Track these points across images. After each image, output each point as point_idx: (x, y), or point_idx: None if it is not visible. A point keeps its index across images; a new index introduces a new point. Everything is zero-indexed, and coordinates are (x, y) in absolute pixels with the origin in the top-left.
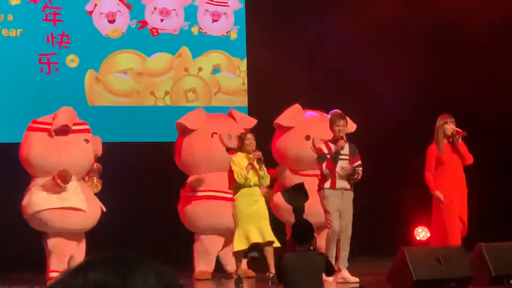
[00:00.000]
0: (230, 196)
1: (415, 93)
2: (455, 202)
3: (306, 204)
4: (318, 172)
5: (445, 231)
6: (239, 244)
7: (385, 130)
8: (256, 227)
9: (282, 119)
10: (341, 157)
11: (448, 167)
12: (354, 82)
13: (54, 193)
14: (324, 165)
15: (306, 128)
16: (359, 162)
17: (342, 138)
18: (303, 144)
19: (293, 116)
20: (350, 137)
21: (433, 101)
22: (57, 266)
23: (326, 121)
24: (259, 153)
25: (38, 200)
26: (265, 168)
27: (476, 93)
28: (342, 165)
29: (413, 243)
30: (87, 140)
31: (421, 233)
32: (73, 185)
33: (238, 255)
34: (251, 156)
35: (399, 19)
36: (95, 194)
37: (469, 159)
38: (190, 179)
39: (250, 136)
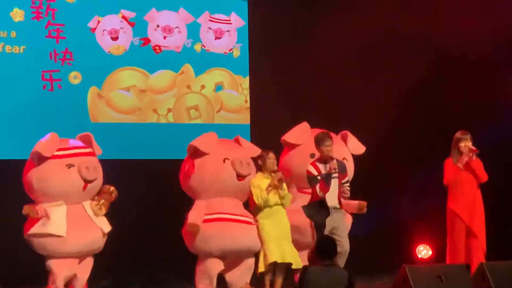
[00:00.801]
0: (242, 218)
1: (416, 108)
2: (467, 220)
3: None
4: None
5: (452, 248)
6: (262, 265)
7: (386, 147)
8: (277, 246)
9: (289, 136)
10: (333, 176)
11: (462, 184)
12: (360, 100)
13: (40, 219)
14: (317, 187)
15: (312, 146)
16: (347, 178)
17: (331, 158)
18: (307, 162)
19: (300, 134)
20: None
21: (435, 117)
22: (54, 285)
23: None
24: (280, 173)
25: (27, 224)
26: (286, 188)
27: (470, 111)
28: (334, 184)
29: (414, 261)
30: (69, 165)
31: (423, 251)
32: (58, 210)
33: (264, 277)
34: (270, 176)
35: (401, 30)
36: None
37: (483, 177)
38: (189, 221)
39: (272, 155)
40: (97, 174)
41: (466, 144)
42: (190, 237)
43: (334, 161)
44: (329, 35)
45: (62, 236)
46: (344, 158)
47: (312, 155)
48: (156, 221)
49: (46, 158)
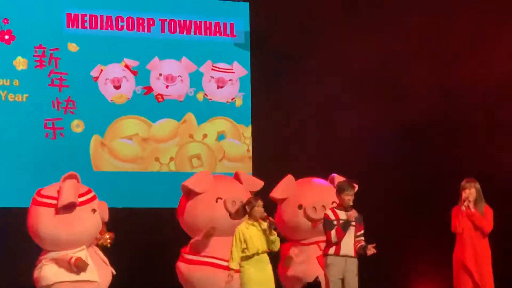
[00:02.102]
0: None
1: (419, 148)
2: (473, 269)
3: (310, 272)
4: (315, 240)
5: None
6: None
7: (396, 193)
8: None
9: (275, 192)
10: (350, 224)
11: (469, 232)
12: (361, 149)
13: (62, 265)
14: (333, 232)
15: (298, 198)
16: (363, 231)
17: (351, 207)
18: (296, 214)
19: (285, 188)
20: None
21: (441, 160)
22: None
23: (319, 187)
24: (271, 219)
25: (50, 274)
26: (275, 233)
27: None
28: (350, 233)
29: None
30: (94, 210)
31: None
32: (83, 254)
33: None
34: (257, 223)
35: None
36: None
37: (484, 227)
38: (197, 238)
39: (260, 202)
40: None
41: (469, 192)
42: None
43: (355, 210)
44: (331, 85)
45: (97, 282)
46: (333, 202)
47: (300, 206)
48: (157, 268)
49: (75, 206)
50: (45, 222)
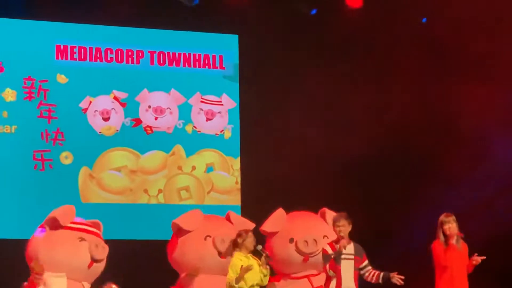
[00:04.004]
0: None
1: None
2: None
3: None
4: (306, 273)
5: None
6: None
7: (381, 229)
8: None
9: (266, 225)
10: (346, 257)
11: (452, 267)
12: (351, 183)
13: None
14: (327, 266)
15: (289, 232)
16: (366, 261)
17: (342, 237)
18: (287, 248)
19: (276, 221)
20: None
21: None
22: None
23: (310, 221)
24: (267, 252)
25: None
26: (268, 267)
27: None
28: (348, 265)
29: None
30: (81, 239)
31: None
32: (58, 281)
33: None
34: (248, 256)
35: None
36: None
37: (469, 269)
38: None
39: (250, 234)
40: (104, 256)
41: (450, 226)
42: None
43: (344, 241)
44: (323, 116)
45: None
46: (324, 236)
47: (291, 240)
48: None
49: (60, 227)
50: (33, 239)
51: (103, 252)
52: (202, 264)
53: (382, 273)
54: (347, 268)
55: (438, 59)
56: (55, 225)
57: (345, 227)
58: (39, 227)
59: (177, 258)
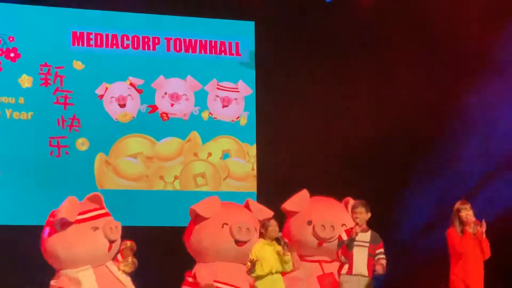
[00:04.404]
0: None
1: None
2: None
3: None
4: (319, 258)
5: None
6: None
7: (392, 215)
8: None
9: (288, 204)
10: (359, 243)
11: (467, 254)
12: (369, 169)
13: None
14: (339, 251)
15: (309, 214)
16: (381, 249)
17: (357, 224)
18: (304, 230)
19: (299, 201)
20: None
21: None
22: None
23: (331, 207)
24: (286, 240)
25: None
26: (289, 254)
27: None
28: (361, 252)
29: None
30: (95, 228)
31: None
32: (88, 275)
33: None
34: (272, 243)
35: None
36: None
37: (486, 254)
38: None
39: (273, 222)
40: (119, 234)
41: (467, 213)
42: None
43: (357, 227)
44: (338, 103)
45: None
46: (343, 224)
47: (309, 222)
48: (163, 286)
49: (70, 224)
50: (47, 241)
51: (117, 231)
52: (219, 251)
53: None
54: (360, 255)
55: (449, 49)
56: (65, 223)
57: (362, 214)
58: (46, 225)
59: (194, 245)
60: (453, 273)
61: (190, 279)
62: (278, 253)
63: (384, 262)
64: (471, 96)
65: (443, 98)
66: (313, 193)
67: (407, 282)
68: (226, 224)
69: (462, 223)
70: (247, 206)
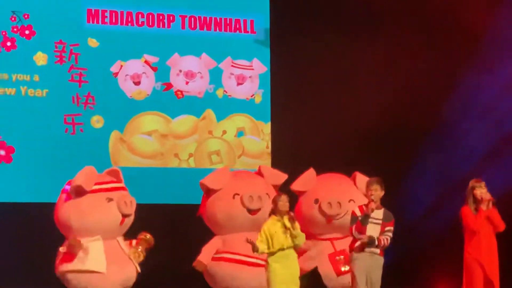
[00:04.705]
0: (251, 260)
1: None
2: (486, 266)
3: (323, 268)
4: (330, 236)
5: None
6: None
7: (405, 191)
8: None
9: (295, 184)
10: (373, 221)
11: (480, 232)
12: (383, 146)
13: (75, 254)
14: (353, 227)
15: (316, 192)
16: (391, 227)
17: (373, 201)
18: (312, 208)
19: (306, 181)
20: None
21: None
22: None
23: (338, 183)
24: (291, 214)
25: (61, 261)
26: (298, 227)
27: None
28: (374, 229)
29: None
30: (109, 199)
31: None
32: (97, 246)
33: None
34: (283, 218)
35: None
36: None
37: (501, 226)
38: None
39: (283, 197)
40: (133, 209)
41: (482, 191)
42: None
43: (372, 203)
44: (353, 81)
45: (102, 273)
46: (351, 200)
47: (316, 201)
48: (177, 264)
49: (86, 192)
50: (60, 207)
51: (131, 206)
52: (233, 222)
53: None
54: (372, 232)
55: (461, 26)
56: (80, 191)
57: (377, 192)
58: (62, 193)
59: (209, 219)
60: (466, 251)
61: None
62: (285, 228)
63: (388, 238)
64: (481, 75)
65: (452, 77)
66: (327, 170)
67: (416, 261)
68: (237, 194)
69: (477, 201)
70: (259, 173)
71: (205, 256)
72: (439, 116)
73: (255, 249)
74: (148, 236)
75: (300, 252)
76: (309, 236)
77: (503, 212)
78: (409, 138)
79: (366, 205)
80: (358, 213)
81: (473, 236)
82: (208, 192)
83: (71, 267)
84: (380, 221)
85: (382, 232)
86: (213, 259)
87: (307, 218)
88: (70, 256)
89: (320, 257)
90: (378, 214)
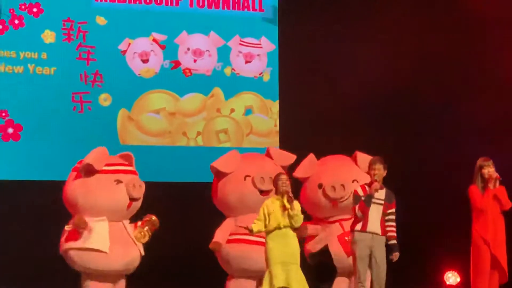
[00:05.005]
0: (263, 240)
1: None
2: (492, 244)
3: (333, 249)
4: (338, 218)
5: (476, 274)
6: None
7: (414, 171)
8: (283, 271)
9: (297, 171)
10: (376, 201)
11: (487, 211)
12: (389, 121)
13: (79, 233)
14: (357, 207)
15: (319, 177)
16: (393, 209)
17: (376, 181)
18: (316, 193)
19: (307, 167)
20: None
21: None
22: None
23: (340, 166)
24: (290, 194)
25: (65, 239)
26: (298, 208)
27: None
28: (376, 209)
29: None
30: (118, 181)
31: (451, 278)
32: (101, 225)
33: None
34: (283, 198)
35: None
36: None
37: (508, 204)
38: (213, 240)
39: (283, 177)
40: (142, 193)
41: (489, 170)
42: (217, 255)
43: (377, 183)
44: (360, 59)
45: (105, 252)
46: (354, 180)
47: (320, 185)
48: (184, 242)
49: (95, 172)
50: (69, 185)
51: (140, 190)
52: (245, 204)
53: (392, 241)
54: (375, 212)
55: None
56: (90, 170)
57: (380, 171)
58: (73, 171)
59: (220, 201)
60: (474, 229)
61: None
62: (283, 207)
63: (393, 226)
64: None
65: (465, 53)
66: (335, 148)
67: (424, 240)
68: (248, 176)
69: (484, 180)
70: (268, 155)
71: (220, 237)
72: (449, 93)
73: (249, 230)
74: (154, 218)
75: (309, 237)
76: (317, 221)
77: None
78: (418, 116)
79: (369, 184)
80: (361, 192)
81: (481, 214)
82: (219, 175)
83: (74, 245)
84: (383, 201)
85: (385, 212)
86: (228, 241)
87: (313, 203)
88: (74, 234)
89: (330, 238)
90: (381, 194)
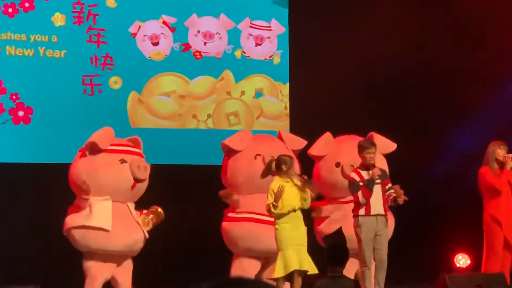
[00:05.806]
0: (270, 219)
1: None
2: (505, 226)
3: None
4: (351, 199)
5: (489, 255)
6: (280, 270)
7: (425, 154)
8: (296, 253)
9: (313, 149)
10: (375, 183)
11: (500, 192)
12: (399, 104)
13: (82, 212)
14: (359, 194)
15: (336, 155)
16: (390, 184)
17: (373, 165)
18: (333, 172)
19: (324, 145)
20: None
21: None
22: None
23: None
24: (306, 178)
25: (68, 218)
26: (308, 191)
27: None
28: (377, 191)
29: (453, 270)
30: (123, 161)
31: (461, 260)
32: (104, 205)
33: (279, 282)
34: (288, 180)
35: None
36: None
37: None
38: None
39: (288, 159)
40: (147, 175)
41: (504, 153)
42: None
43: (377, 168)
44: (370, 42)
45: (107, 231)
46: None
47: (337, 164)
48: (194, 225)
49: (100, 151)
50: (74, 164)
51: (145, 172)
52: (254, 182)
53: (392, 196)
54: (377, 194)
55: None
56: (95, 149)
57: (375, 154)
58: (79, 151)
59: (230, 180)
60: (486, 212)
61: (230, 214)
62: (299, 189)
63: (393, 194)
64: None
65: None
66: (345, 130)
67: (434, 222)
68: (259, 155)
69: (499, 162)
70: (279, 137)
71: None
72: (461, 79)
73: (275, 207)
74: (160, 210)
75: (322, 218)
76: (331, 200)
77: None
78: (430, 96)
79: (361, 168)
80: (356, 178)
81: (494, 196)
82: (229, 153)
83: (76, 223)
84: (380, 181)
85: (383, 191)
86: (233, 219)
87: (328, 182)
88: (77, 213)
89: (344, 219)
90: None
